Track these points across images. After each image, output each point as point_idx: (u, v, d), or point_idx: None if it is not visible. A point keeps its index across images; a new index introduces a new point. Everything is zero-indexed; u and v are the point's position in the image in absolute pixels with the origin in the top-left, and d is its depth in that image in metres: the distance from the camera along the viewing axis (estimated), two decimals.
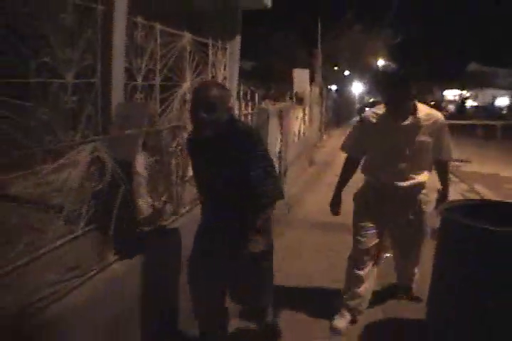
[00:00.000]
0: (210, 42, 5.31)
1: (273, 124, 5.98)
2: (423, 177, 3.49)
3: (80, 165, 2.27)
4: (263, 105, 5.74)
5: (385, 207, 3.51)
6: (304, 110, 10.19)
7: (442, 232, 2.90)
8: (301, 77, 12.60)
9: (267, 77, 25.36)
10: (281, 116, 6.47)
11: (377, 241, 3.55)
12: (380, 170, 3.51)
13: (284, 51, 29.86)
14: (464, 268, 2.64)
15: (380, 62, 35.88)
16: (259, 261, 2.67)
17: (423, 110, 3.37)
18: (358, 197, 3.68)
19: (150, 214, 3.04)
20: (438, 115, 3.45)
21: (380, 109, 3.46)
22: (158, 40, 4.04)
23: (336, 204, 3.70)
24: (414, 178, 3.44)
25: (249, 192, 2.48)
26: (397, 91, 3.26)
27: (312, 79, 15.13)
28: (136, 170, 2.85)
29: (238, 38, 6.32)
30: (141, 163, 2.96)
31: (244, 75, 8.11)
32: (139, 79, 3.91)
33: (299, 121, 9.28)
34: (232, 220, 2.59)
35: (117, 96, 3.46)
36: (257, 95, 5.76)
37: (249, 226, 2.54)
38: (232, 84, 5.46)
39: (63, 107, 2.98)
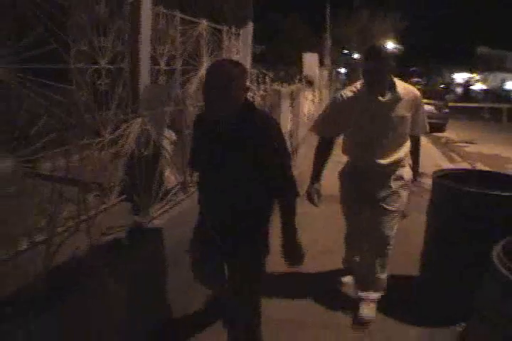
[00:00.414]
0: (224, 28, 5.66)
1: (285, 105, 6.30)
2: (402, 152, 3.37)
3: (131, 135, 2.63)
4: (275, 87, 6.06)
5: (367, 185, 3.38)
6: (313, 92, 10.47)
7: (435, 196, 3.54)
8: (310, 60, 12.90)
9: (276, 60, 25.59)
10: (293, 97, 6.77)
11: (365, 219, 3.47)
12: (361, 149, 3.37)
13: (293, 36, 29.99)
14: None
15: (390, 46, 35.86)
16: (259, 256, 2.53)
17: (400, 85, 3.28)
18: (341, 178, 3.56)
19: (176, 184, 3.43)
20: (415, 90, 3.37)
21: (356, 87, 3.34)
22: (178, 28, 4.42)
23: (313, 192, 3.39)
24: (394, 154, 3.32)
25: (256, 180, 2.36)
26: (375, 62, 3.14)
27: (321, 63, 15.39)
28: (163, 145, 3.23)
29: (250, 24, 6.65)
30: (167, 138, 3.35)
31: (254, 59, 8.42)
32: (162, 64, 4.30)
33: (309, 103, 9.58)
34: (231, 205, 2.42)
35: (144, 79, 3.85)
36: (268, 78, 6.07)
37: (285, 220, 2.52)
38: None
39: (98, 89, 3.38)
